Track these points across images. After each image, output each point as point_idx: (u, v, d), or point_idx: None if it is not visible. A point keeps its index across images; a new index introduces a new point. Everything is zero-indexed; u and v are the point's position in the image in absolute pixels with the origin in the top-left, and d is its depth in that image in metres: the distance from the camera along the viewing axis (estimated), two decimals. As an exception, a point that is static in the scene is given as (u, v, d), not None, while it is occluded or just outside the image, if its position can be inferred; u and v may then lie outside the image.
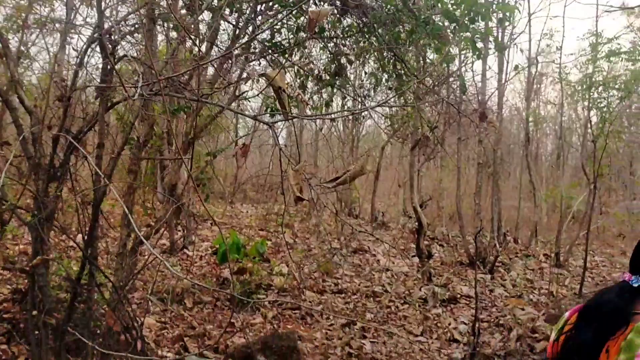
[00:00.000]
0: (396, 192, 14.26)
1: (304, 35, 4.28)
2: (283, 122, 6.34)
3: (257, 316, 5.84)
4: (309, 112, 5.18)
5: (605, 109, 6.99)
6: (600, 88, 8.28)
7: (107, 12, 3.46)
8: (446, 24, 4.11)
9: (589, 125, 9.42)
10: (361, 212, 13.30)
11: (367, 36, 4.44)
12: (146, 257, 4.92)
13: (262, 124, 3.56)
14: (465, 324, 6.49)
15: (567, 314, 1.53)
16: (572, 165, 18.92)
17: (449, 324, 6.44)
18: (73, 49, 4.39)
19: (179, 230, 7.79)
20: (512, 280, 8.19)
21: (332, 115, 6.56)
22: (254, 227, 9.88)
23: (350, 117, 9.17)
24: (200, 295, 5.93)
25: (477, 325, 5.52)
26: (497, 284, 7.99)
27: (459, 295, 7.35)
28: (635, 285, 1.38)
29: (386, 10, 4.00)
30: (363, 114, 6.38)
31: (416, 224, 7.64)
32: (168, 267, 1.99)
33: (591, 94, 8.03)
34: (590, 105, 8.08)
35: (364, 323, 6.09)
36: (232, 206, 12.36)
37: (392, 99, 4.76)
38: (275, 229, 9.66)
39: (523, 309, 6.70)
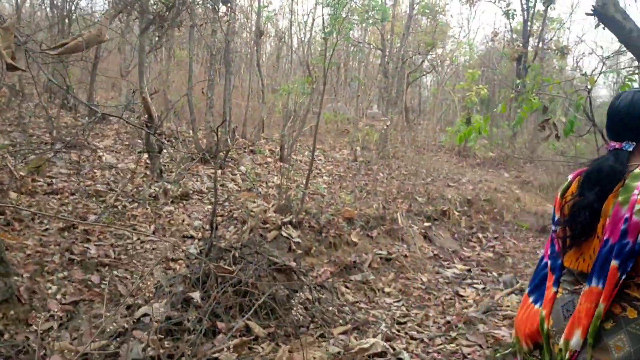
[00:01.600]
0: (115, 84, 12.92)
1: None
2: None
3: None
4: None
5: (336, 4, 7.25)
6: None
7: None
8: None
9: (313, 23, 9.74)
10: (78, 105, 11.68)
11: None
12: None
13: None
14: (199, 219, 6.35)
15: (570, 176, 1.85)
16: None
17: (183, 221, 6.21)
18: None
19: None
20: (242, 174, 8.32)
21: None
22: None
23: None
24: None
25: (214, 219, 5.41)
26: (228, 178, 8.03)
27: (191, 191, 7.13)
28: (630, 149, 1.68)
29: None
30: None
31: (145, 116, 6.96)
32: None
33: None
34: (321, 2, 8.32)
35: (87, 224, 5.39)
36: None
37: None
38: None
39: (254, 202, 6.87)
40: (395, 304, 5.35)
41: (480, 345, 3.74)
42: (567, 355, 1.61)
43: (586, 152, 6.08)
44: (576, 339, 1.60)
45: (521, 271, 6.55)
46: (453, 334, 3.93)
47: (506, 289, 5.51)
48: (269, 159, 9.96)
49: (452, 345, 3.91)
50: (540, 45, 18.06)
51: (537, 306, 1.88)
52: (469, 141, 3.29)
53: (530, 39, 17.72)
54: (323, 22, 7.52)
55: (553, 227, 1.87)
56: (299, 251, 5.82)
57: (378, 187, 8.09)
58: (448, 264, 6.81)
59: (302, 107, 10.12)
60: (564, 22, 22.46)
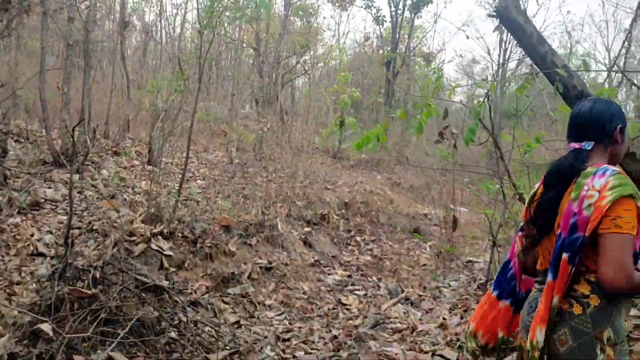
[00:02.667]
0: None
1: None
2: None
3: None
4: None
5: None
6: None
7: None
8: None
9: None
10: None
11: None
12: None
13: None
14: (51, 233, 5.52)
15: (537, 185, 1.93)
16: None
17: (32, 235, 5.36)
18: None
19: None
20: (104, 179, 7.49)
21: None
22: None
23: None
24: None
25: (70, 233, 4.68)
26: (88, 184, 7.16)
27: (42, 200, 6.22)
28: (589, 148, 1.76)
29: None
30: None
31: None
32: None
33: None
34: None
35: None
36: None
37: None
38: None
39: (118, 211, 6.16)
40: (277, 317, 5.05)
41: (373, 366, 3.56)
42: (536, 355, 1.64)
43: (449, 155, 6.34)
44: (540, 336, 1.64)
45: (402, 276, 6.60)
46: (344, 354, 3.70)
47: (391, 298, 5.45)
48: (136, 162, 9.15)
49: (344, 366, 3.69)
50: (407, 52, 18.93)
51: (504, 301, 2.01)
52: (370, 148, 3.10)
53: (399, 46, 18.51)
54: (199, 15, 6.99)
55: (519, 233, 1.96)
56: (171, 266, 5.30)
57: (256, 191, 7.75)
58: (329, 270, 6.67)
59: (172, 105, 9.44)
60: (427, 30, 23.85)
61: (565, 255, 1.63)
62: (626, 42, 10.67)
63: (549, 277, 1.68)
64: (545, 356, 1.66)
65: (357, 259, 7.29)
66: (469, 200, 12.30)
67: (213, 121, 15.40)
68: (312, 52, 20.29)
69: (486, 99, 4.27)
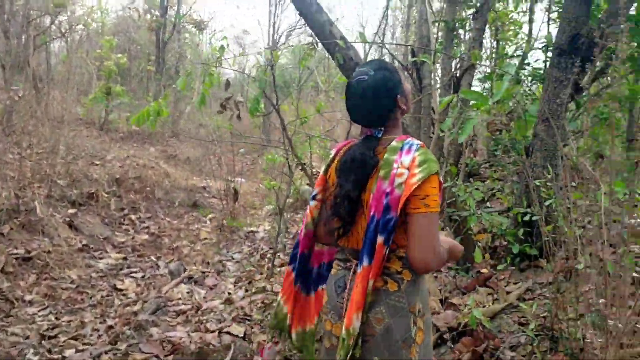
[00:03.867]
0: None
1: None
2: None
3: None
4: None
5: None
6: None
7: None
8: None
9: None
10: None
11: None
12: None
13: None
14: None
15: (333, 151, 1.90)
16: None
17: None
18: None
19: None
20: None
21: None
22: None
23: None
24: None
25: None
26: None
27: None
28: (379, 135, 1.73)
29: None
30: None
31: None
32: None
33: None
34: None
35: None
36: None
37: None
38: None
39: None
40: (40, 313, 4.43)
41: (157, 356, 3.31)
42: (351, 343, 1.57)
43: (232, 127, 6.28)
44: (357, 322, 1.57)
45: (183, 253, 6.35)
46: (122, 346, 3.37)
47: (173, 278, 5.19)
48: None
49: (123, 360, 3.36)
50: (177, 19, 18.15)
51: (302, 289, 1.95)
52: (149, 124, 2.77)
53: (169, 11, 17.63)
54: None
55: (310, 203, 1.88)
56: None
57: (7, 170, 6.61)
58: (100, 254, 6.09)
59: None
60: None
61: (380, 238, 1.58)
62: (384, 19, 11.76)
63: (365, 262, 1.60)
64: (360, 338, 1.61)
65: (133, 238, 6.80)
66: (246, 170, 12.49)
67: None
68: (69, 13, 18.07)
69: (270, 68, 4.26)
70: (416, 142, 1.66)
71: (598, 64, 4.55)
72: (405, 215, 1.60)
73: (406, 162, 1.60)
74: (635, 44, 4.19)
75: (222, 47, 3.36)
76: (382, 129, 1.73)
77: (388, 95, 1.69)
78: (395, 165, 1.60)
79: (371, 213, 1.61)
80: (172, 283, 4.96)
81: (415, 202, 1.57)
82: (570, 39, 3.82)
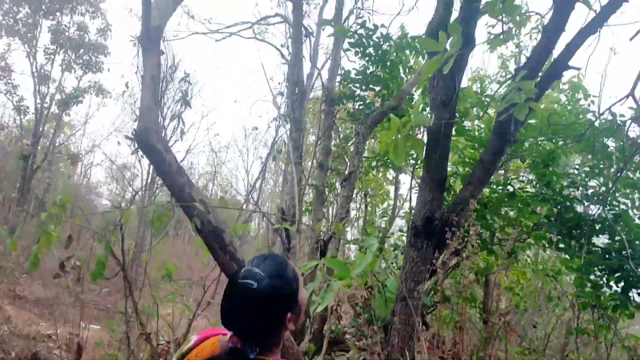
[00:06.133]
0: None
1: None
2: None
3: None
4: None
5: None
6: None
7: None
8: None
9: None
10: None
11: None
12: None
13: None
14: None
15: (193, 340, 1.52)
16: None
17: None
18: None
19: None
20: None
21: None
22: None
23: None
24: None
25: None
26: None
27: None
28: (252, 357, 1.34)
29: None
30: None
31: None
32: None
33: None
34: None
35: None
36: None
37: None
38: None
39: None
40: None
41: None
42: None
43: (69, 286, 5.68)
44: None
45: None
46: None
47: None
48: None
49: None
50: (51, 148, 17.37)
51: None
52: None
53: (42, 140, 16.86)
54: None
55: None
56: None
57: None
58: None
59: None
60: (77, 129, 22.64)
61: None
62: (261, 175, 12.04)
63: None
64: None
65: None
66: (104, 316, 11.24)
67: None
68: None
69: (119, 227, 3.94)
70: None
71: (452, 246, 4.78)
72: None
73: None
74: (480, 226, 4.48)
75: (63, 205, 3.05)
76: (258, 349, 1.38)
77: (278, 313, 1.40)
78: None
79: None
80: None
81: None
82: (425, 221, 3.99)
